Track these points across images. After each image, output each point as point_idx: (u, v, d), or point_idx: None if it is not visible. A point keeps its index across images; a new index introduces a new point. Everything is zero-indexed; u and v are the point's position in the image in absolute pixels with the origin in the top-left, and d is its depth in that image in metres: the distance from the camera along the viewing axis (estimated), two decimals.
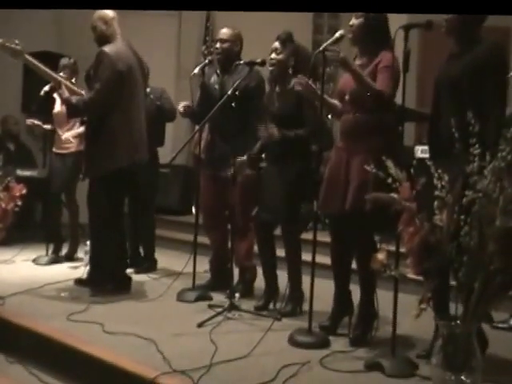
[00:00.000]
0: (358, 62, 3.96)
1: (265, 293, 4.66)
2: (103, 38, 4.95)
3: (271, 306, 4.61)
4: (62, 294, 4.91)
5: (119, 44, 4.96)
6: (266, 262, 4.67)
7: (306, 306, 4.41)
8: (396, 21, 3.80)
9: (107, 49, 4.85)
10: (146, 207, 6.05)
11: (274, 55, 4.55)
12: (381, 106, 3.74)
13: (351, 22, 3.92)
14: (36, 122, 6.52)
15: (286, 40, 4.54)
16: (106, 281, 4.94)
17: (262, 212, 4.57)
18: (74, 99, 4.87)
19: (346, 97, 3.89)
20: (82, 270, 5.36)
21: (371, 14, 3.86)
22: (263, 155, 4.72)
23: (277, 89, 4.61)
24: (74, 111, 4.94)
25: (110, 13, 5.00)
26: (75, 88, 5.20)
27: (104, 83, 4.77)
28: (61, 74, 5.99)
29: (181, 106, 5.11)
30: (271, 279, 4.65)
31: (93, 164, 4.91)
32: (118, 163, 4.84)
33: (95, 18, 4.97)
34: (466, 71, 3.44)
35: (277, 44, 4.55)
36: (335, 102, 4.09)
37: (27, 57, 4.85)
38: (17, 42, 4.77)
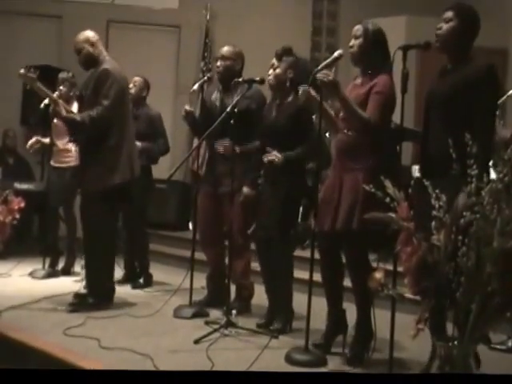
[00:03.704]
0: (357, 81, 3.99)
1: (268, 311, 4.65)
2: (92, 60, 5.03)
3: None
4: (59, 308, 4.90)
5: (113, 63, 5.05)
6: (268, 280, 4.66)
7: (296, 324, 4.45)
8: (395, 41, 3.84)
9: (109, 67, 4.95)
10: (139, 222, 6.05)
11: (271, 71, 4.60)
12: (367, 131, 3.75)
13: (351, 43, 3.94)
14: (40, 139, 6.53)
15: (283, 55, 4.58)
16: (89, 295, 4.96)
17: (258, 229, 4.58)
18: (77, 116, 4.93)
19: (341, 114, 3.91)
20: (79, 284, 5.36)
21: (370, 34, 3.90)
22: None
23: (277, 101, 4.64)
24: (78, 128, 4.96)
25: (93, 35, 5.10)
26: (72, 111, 5.32)
27: (111, 100, 4.86)
28: (60, 87, 6.04)
29: (183, 110, 5.12)
30: (273, 297, 4.63)
31: (93, 178, 4.93)
32: (121, 177, 4.94)
33: (81, 40, 5.05)
34: (456, 89, 3.46)
35: (274, 60, 4.60)
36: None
37: (38, 84, 5.13)
38: (32, 70, 5.13)
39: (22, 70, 5.09)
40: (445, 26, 3.54)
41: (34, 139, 6.54)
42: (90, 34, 5.10)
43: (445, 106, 3.51)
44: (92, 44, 5.04)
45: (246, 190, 4.74)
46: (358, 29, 3.93)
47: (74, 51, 5.08)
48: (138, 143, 5.58)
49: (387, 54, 3.85)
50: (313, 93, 3.90)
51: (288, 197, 4.41)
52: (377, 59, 3.87)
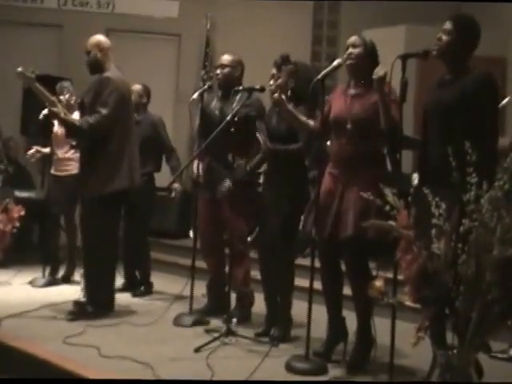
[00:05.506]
0: (353, 91, 4.00)
1: (266, 319, 4.65)
2: (97, 65, 5.04)
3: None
4: (59, 317, 4.89)
5: (116, 71, 5.06)
6: (268, 288, 4.65)
7: (297, 332, 4.45)
8: (394, 50, 3.85)
9: (110, 75, 4.96)
10: (141, 231, 6.05)
11: (272, 82, 4.60)
12: (392, 135, 3.73)
13: (349, 51, 3.95)
14: (39, 149, 6.52)
15: (282, 63, 4.59)
16: (88, 303, 4.95)
17: (260, 236, 4.59)
18: (75, 121, 4.94)
19: (348, 126, 3.90)
20: (79, 293, 5.35)
21: (370, 44, 3.92)
22: (260, 180, 4.77)
23: (277, 109, 4.64)
24: (75, 132, 4.96)
25: (106, 41, 5.11)
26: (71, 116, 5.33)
27: (111, 108, 4.87)
28: (61, 97, 6.05)
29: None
30: (273, 305, 4.63)
31: (93, 184, 4.94)
32: (120, 184, 4.94)
33: (92, 43, 5.06)
34: (455, 100, 3.46)
35: (273, 70, 4.61)
36: (308, 121, 4.11)
37: (36, 84, 5.10)
38: (32, 70, 5.10)
39: (20, 69, 5.06)
40: (444, 38, 3.54)
41: (33, 149, 6.53)
42: (102, 38, 5.12)
43: (444, 116, 3.50)
44: (101, 49, 5.04)
45: (228, 183, 4.77)
46: (356, 39, 3.97)
47: (84, 52, 5.08)
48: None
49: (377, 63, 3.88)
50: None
51: (289, 204, 4.42)
52: (374, 68, 3.89)
